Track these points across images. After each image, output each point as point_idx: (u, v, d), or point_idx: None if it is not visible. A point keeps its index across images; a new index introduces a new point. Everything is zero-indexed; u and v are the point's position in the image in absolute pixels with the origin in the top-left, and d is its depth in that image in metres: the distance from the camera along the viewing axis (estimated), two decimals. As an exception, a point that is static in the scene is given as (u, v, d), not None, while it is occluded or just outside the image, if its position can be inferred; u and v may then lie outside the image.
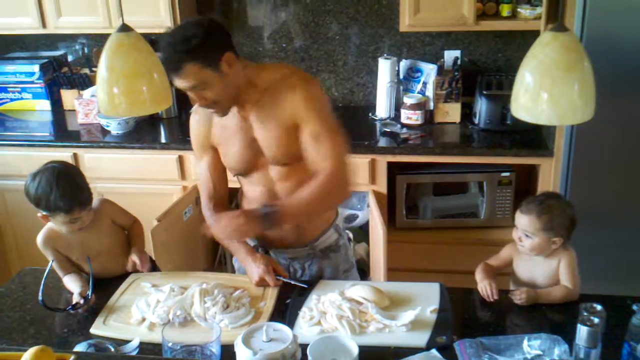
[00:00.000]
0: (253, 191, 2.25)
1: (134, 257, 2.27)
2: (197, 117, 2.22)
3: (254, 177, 2.21)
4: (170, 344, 1.70)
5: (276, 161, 2.14)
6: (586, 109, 1.62)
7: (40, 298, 2.05)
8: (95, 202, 2.27)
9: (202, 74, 1.93)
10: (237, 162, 2.19)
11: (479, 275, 2.12)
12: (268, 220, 2.02)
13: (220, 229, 2.07)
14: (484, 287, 2.07)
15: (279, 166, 2.16)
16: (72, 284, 2.19)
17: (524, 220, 2.08)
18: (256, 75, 2.10)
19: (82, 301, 2.08)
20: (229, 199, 2.37)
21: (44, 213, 2.14)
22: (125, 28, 1.83)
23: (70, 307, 2.07)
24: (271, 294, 2.11)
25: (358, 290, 2.04)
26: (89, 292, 2.10)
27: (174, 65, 1.91)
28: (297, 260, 2.35)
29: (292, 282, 2.13)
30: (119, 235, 2.35)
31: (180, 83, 1.95)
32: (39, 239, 2.23)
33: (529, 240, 2.07)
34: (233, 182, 2.35)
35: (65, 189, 2.08)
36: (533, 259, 2.11)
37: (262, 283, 2.15)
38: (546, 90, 1.59)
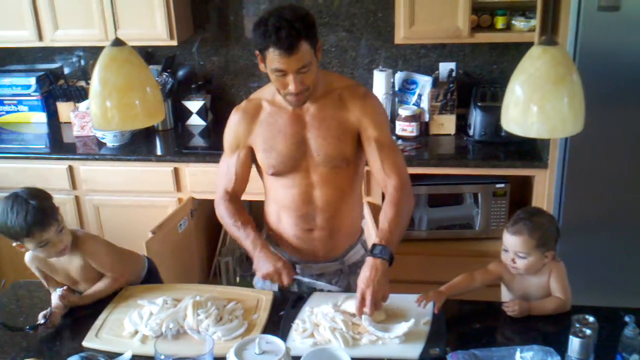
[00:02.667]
0: (287, 195, 2.22)
1: (65, 294, 2.14)
2: (241, 115, 2.22)
3: (292, 179, 2.20)
4: (162, 357, 1.69)
5: (324, 161, 2.16)
6: (576, 122, 1.63)
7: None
8: (81, 232, 2.27)
9: (309, 54, 1.97)
10: (282, 159, 2.17)
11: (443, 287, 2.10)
12: (390, 259, 2.05)
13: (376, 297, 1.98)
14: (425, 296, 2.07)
15: (324, 168, 2.17)
16: (53, 301, 2.15)
17: (515, 242, 2.03)
18: (324, 76, 2.18)
19: (42, 322, 2.05)
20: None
21: (17, 242, 2.13)
22: (118, 42, 1.84)
23: (29, 327, 2.04)
24: (265, 306, 2.11)
25: (353, 304, 2.01)
26: (49, 314, 2.06)
27: (292, 41, 1.91)
28: (324, 276, 2.33)
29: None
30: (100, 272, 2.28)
31: (289, 63, 1.95)
32: (27, 256, 2.24)
33: (523, 261, 2.04)
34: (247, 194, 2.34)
35: (19, 213, 2.03)
36: (524, 276, 2.09)
37: (269, 277, 2.12)
38: (536, 103, 1.60)
